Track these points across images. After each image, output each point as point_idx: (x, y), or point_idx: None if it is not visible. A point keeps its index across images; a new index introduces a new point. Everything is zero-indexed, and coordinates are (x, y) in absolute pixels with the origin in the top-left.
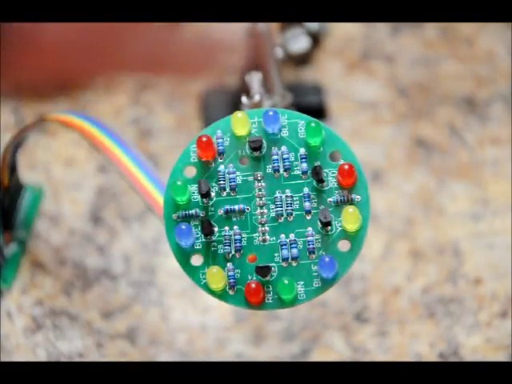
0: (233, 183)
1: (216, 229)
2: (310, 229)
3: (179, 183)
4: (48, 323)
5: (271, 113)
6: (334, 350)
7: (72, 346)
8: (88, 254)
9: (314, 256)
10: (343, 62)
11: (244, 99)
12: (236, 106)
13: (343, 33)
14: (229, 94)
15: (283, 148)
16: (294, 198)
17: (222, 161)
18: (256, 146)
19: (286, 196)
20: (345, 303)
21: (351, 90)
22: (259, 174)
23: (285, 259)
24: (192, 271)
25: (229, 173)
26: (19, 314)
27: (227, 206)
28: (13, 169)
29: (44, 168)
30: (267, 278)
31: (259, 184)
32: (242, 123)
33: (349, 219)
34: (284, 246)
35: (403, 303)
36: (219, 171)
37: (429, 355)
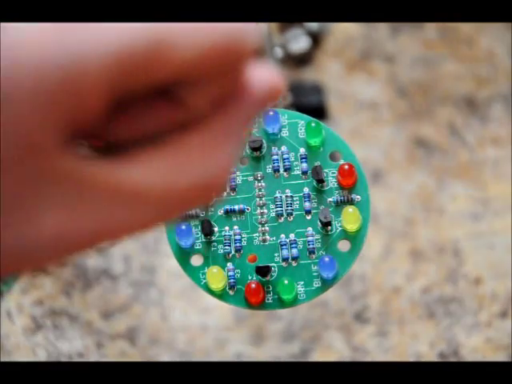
0: (233, 183)
1: (216, 229)
2: (309, 229)
3: None
4: (48, 323)
5: (271, 113)
6: (333, 349)
7: (72, 346)
8: (88, 254)
9: (314, 256)
10: (343, 62)
11: None
12: None
13: (343, 33)
14: None
15: (283, 148)
16: (294, 198)
17: None
18: (256, 146)
19: (286, 196)
20: (345, 303)
21: (351, 89)
22: (259, 174)
23: (285, 259)
24: (192, 271)
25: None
26: (19, 314)
27: (227, 206)
28: None
29: None
30: (267, 278)
31: (259, 184)
32: None
33: (349, 219)
34: (284, 246)
35: (403, 303)
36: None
37: (429, 355)
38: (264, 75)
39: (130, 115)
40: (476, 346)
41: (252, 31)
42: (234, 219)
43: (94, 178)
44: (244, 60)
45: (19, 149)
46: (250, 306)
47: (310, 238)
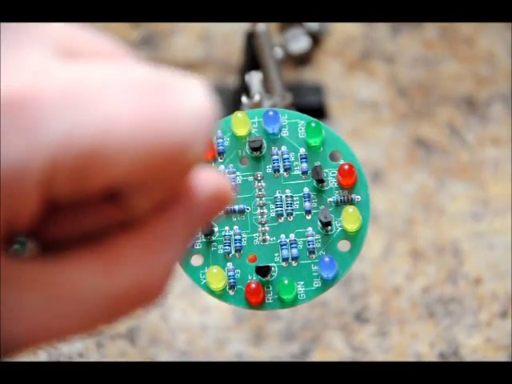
0: (233, 183)
1: (216, 229)
2: (310, 229)
3: None
4: None
5: (271, 113)
6: (333, 349)
7: (72, 346)
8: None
9: (314, 256)
10: (343, 62)
11: (244, 99)
12: (236, 105)
13: (343, 33)
14: (229, 94)
15: (283, 148)
16: (294, 198)
17: (222, 161)
18: (256, 146)
19: (286, 196)
20: (345, 303)
21: (351, 90)
22: (259, 174)
23: (285, 259)
24: (192, 271)
25: (229, 173)
26: None
27: (227, 206)
28: None
29: None
30: (267, 278)
31: (259, 184)
32: (242, 123)
33: (349, 219)
34: (284, 246)
35: (403, 303)
36: (219, 171)
37: (429, 355)
38: (210, 180)
39: (66, 215)
40: (476, 346)
41: (200, 138)
42: (234, 219)
43: (27, 279)
44: (189, 169)
45: None
46: (250, 305)
47: (310, 238)
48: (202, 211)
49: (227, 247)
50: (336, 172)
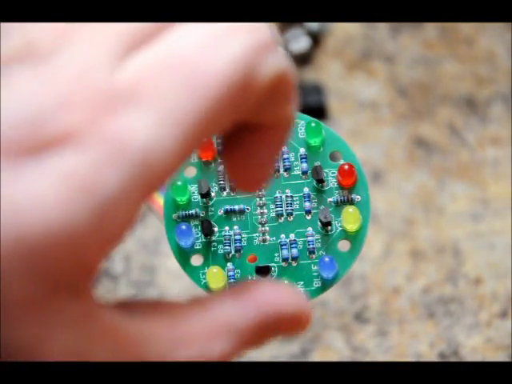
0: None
1: (216, 229)
2: (310, 229)
3: (179, 183)
4: None
5: None
6: (334, 349)
7: None
8: None
9: (314, 256)
10: (343, 61)
11: None
12: None
13: (343, 33)
14: None
15: (283, 148)
16: (294, 198)
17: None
18: None
19: (286, 196)
20: (345, 303)
21: (351, 89)
22: None
23: (285, 259)
24: (192, 271)
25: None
26: None
27: (227, 206)
28: None
29: None
30: (267, 278)
31: None
32: None
33: (349, 219)
34: (284, 246)
35: (403, 303)
36: (219, 171)
37: (429, 355)
38: (294, 298)
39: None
40: (476, 346)
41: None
42: (234, 219)
43: (101, 328)
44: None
45: (50, 288)
46: None
47: (310, 238)
48: (278, 323)
49: (227, 247)
50: (336, 172)
